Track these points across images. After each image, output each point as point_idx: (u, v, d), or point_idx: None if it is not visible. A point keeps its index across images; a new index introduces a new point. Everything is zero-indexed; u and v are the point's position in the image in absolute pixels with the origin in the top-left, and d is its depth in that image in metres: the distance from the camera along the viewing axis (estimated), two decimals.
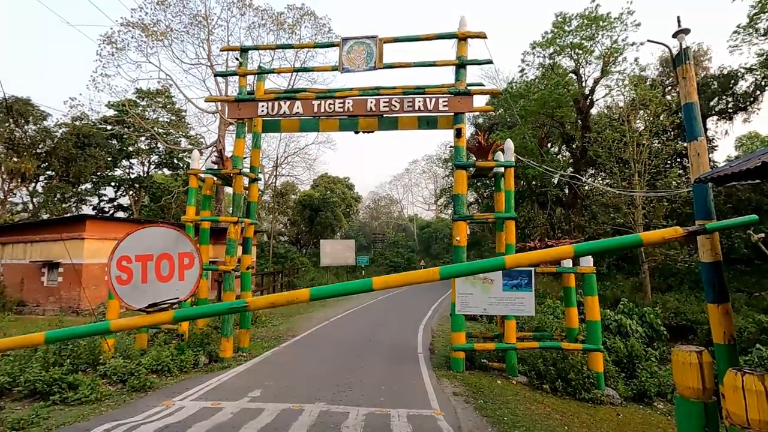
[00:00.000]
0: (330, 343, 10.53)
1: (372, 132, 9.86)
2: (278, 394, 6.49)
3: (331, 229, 42.62)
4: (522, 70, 30.33)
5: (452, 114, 9.24)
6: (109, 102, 34.02)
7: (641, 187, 18.70)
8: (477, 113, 34.76)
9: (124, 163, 38.19)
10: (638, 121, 20.28)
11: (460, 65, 8.87)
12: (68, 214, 20.97)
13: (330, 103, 8.96)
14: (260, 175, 9.30)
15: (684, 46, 4.09)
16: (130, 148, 36.87)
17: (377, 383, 7.22)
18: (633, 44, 25.75)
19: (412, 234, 67.21)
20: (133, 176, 38.47)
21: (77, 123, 32.22)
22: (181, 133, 34.81)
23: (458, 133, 8.45)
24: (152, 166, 39.38)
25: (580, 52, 26.71)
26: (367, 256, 37.61)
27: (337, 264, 27.84)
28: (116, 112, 32.35)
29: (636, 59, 26.45)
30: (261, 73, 9.55)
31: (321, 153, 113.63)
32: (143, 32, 25.51)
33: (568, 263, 8.62)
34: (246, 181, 10.03)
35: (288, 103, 9.06)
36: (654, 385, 8.11)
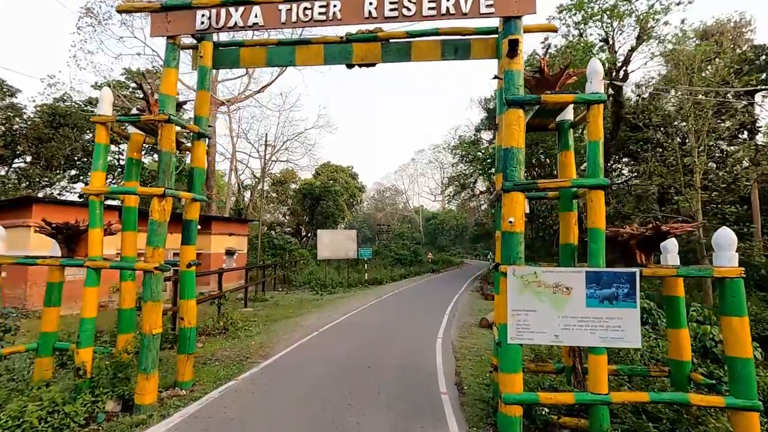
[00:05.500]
0: (312, 372, 7.40)
1: (373, 65, 6.68)
2: None
3: (333, 220, 39.61)
4: (545, 39, 26.77)
5: (493, 34, 6.09)
6: (96, 83, 31.34)
7: (700, 169, 15.27)
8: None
9: (113, 148, 35.54)
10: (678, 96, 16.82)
11: None
12: (11, 197, 17.98)
13: (306, 7, 5.71)
14: (208, 130, 6.11)
15: None
16: None
17: None
18: (679, 3, 22.16)
19: (418, 225, 64.40)
20: (122, 162, 35.81)
21: (60, 105, 29.51)
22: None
23: (512, 50, 5.18)
24: (143, 152, 36.59)
25: (613, 17, 23.13)
26: (370, 248, 34.50)
27: (337, 257, 24.69)
28: None
29: (683, 20, 22.65)
30: None
31: (321, 137, 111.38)
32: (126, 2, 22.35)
33: (675, 259, 5.40)
34: (188, 139, 6.88)
35: (242, 9, 5.82)
36: None
